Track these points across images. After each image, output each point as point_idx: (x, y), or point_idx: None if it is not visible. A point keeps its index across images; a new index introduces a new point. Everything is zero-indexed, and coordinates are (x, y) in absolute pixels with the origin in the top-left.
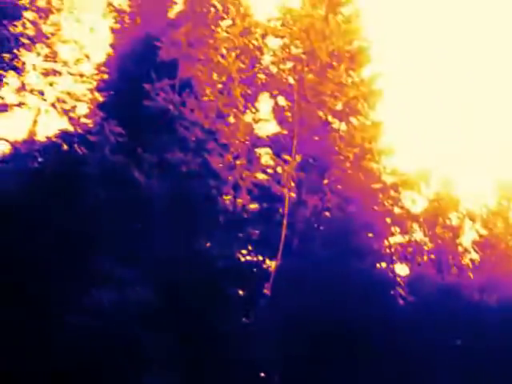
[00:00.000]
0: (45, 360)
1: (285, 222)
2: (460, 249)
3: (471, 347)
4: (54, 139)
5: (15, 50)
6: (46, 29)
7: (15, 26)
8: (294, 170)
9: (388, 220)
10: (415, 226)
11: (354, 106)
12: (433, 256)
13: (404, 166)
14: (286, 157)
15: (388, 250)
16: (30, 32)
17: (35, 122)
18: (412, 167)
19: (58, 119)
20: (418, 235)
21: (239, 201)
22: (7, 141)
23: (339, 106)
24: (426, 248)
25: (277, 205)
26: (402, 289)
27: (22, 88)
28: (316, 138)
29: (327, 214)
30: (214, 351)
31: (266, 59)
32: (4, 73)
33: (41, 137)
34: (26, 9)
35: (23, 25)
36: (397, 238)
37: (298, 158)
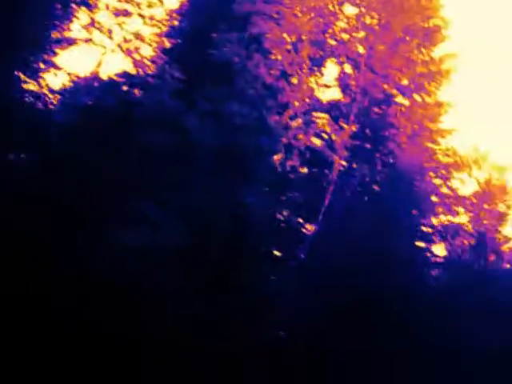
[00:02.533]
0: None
1: (331, 188)
2: (502, 236)
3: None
4: (115, 78)
5: None
6: None
7: None
8: (348, 138)
9: (434, 199)
10: (460, 208)
11: (419, 83)
12: (473, 240)
13: (461, 147)
14: (343, 124)
15: (429, 229)
16: None
17: (100, 61)
18: (468, 149)
19: (122, 62)
20: (462, 218)
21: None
22: (69, 73)
23: (405, 82)
24: (467, 230)
25: (326, 171)
26: (437, 269)
27: (91, 25)
28: (376, 110)
29: (375, 187)
30: (236, 304)
31: (339, 25)
32: (76, 7)
33: (103, 75)
34: None
35: None
36: (440, 218)
37: (355, 127)
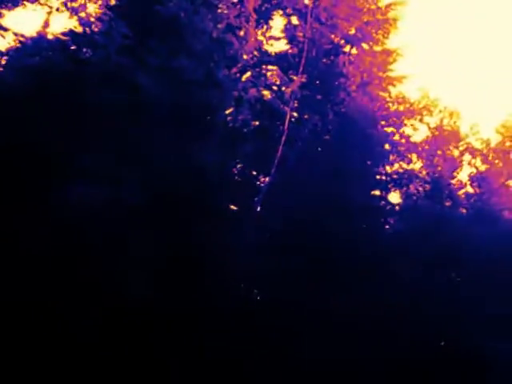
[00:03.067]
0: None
1: (283, 139)
2: (456, 182)
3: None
4: (62, 38)
5: None
6: None
7: None
8: (298, 89)
9: (387, 147)
10: (414, 154)
11: (367, 32)
12: (428, 186)
13: (412, 94)
14: (293, 75)
15: (384, 177)
16: None
17: (47, 21)
18: (419, 95)
19: (68, 20)
20: (416, 164)
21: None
22: (16, 34)
23: (352, 31)
24: (421, 177)
25: (277, 123)
26: (392, 217)
27: None
28: (324, 60)
29: (327, 137)
30: (195, 260)
31: None
32: None
33: (50, 35)
34: None
35: None
36: (394, 166)
37: (304, 77)
